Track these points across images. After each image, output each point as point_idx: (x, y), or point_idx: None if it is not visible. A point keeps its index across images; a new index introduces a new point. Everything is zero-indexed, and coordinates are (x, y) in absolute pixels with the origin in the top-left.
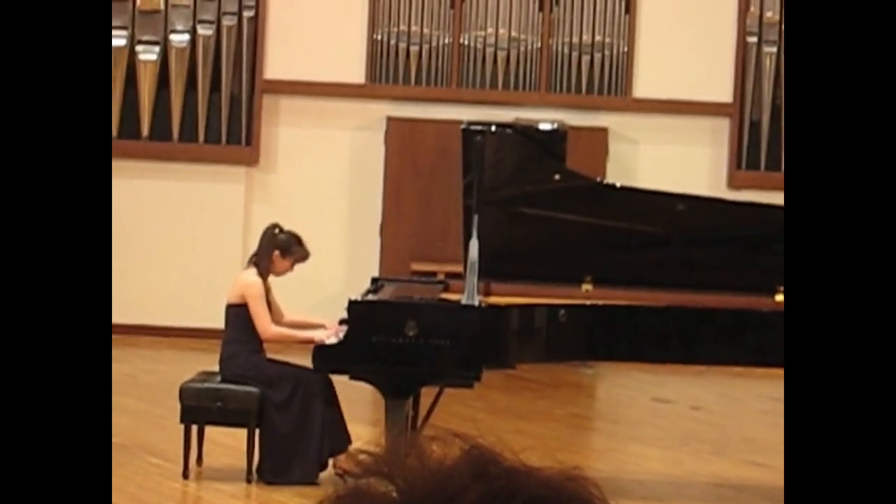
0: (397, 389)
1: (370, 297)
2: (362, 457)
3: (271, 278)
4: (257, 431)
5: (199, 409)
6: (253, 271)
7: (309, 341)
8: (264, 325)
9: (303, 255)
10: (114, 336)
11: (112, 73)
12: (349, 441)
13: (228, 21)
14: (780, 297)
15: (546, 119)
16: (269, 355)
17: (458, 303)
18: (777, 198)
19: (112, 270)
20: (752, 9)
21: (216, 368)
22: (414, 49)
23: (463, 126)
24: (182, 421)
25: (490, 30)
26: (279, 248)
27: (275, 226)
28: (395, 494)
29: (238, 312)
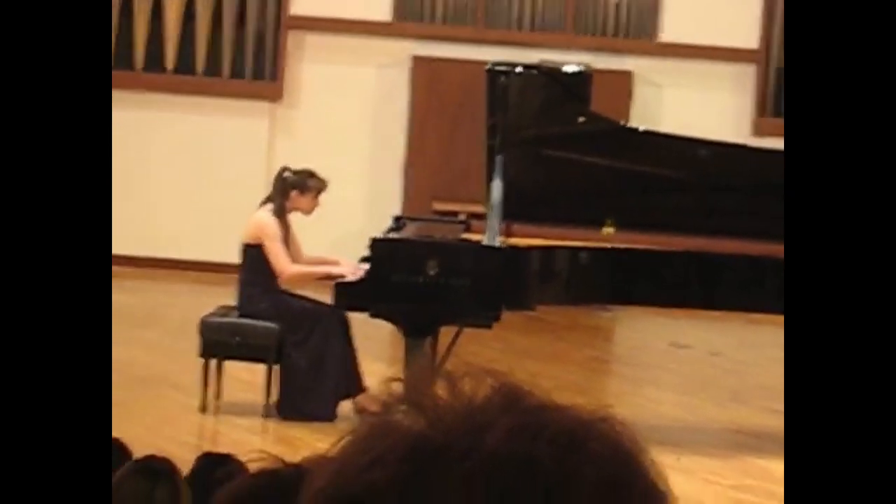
0: (417, 328)
1: (392, 235)
2: (394, 385)
3: (292, 216)
4: (275, 367)
5: (218, 343)
6: (268, 211)
7: (328, 276)
8: (283, 265)
9: (320, 186)
10: (134, 269)
11: (137, 5)
12: (363, 386)
13: None
14: None
15: (571, 61)
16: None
17: (479, 243)
18: None
19: (133, 204)
20: None
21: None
22: None
23: (488, 66)
24: (201, 355)
25: None
26: (295, 188)
27: (284, 168)
28: (423, 426)
29: (253, 253)
